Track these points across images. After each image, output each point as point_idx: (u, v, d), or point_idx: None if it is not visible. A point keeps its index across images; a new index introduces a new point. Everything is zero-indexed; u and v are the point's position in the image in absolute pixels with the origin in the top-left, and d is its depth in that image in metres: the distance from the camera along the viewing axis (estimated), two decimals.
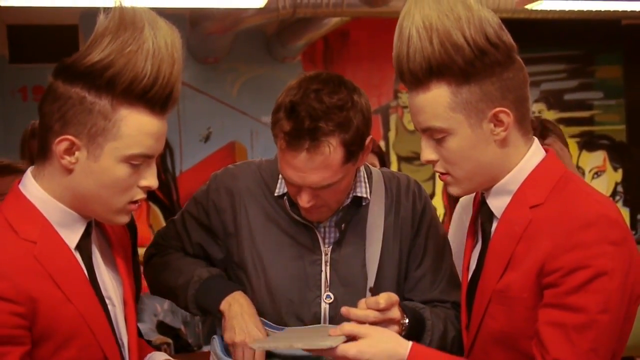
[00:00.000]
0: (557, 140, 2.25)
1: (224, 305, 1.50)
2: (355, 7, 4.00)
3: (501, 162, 1.28)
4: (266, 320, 1.53)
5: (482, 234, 1.36)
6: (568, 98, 5.61)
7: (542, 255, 1.20)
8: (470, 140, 1.26)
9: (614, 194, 5.70)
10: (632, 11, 4.29)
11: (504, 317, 1.26)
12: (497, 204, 1.31)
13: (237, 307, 1.49)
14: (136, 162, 1.22)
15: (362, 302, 1.38)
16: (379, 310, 1.36)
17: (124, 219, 1.29)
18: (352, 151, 1.44)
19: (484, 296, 1.29)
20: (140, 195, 1.26)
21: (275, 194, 1.56)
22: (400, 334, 1.44)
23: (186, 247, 1.64)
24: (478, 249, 1.37)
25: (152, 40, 1.20)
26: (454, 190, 1.33)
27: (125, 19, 1.20)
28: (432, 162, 1.32)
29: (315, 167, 1.40)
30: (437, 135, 1.28)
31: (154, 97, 1.21)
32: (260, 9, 3.87)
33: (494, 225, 1.32)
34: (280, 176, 1.56)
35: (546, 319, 1.20)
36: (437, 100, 1.25)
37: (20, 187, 1.26)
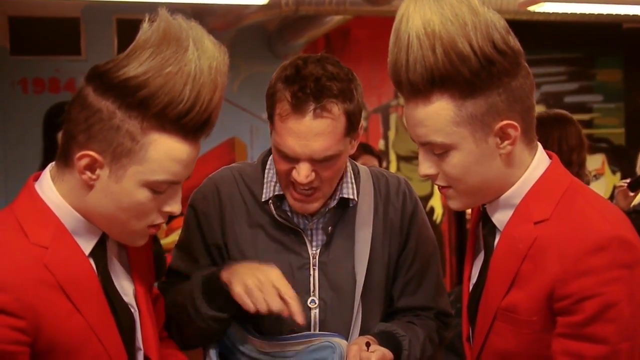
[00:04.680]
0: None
1: (225, 273, 1.39)
2: (358, 6, 4.00)
3: (506, 176, 1.20)
4: (252, 330, 1.51)
5: (485, 246, 1.29)
6: (568, 101, 5.61)
7: (550, 278, 1.12)
8: (474, 155, 1.16)
9: (612, 197, 5.71)
10: (633, 15, 4.30)
11: (511, 337, 1.19)
12: (500, 217, 1.23)
13: (238, 266, 1.41)
14: (159, 189, 1.15)
15: (355, 352, 1.38)
16: None
17: (141, 242, 1.22)
18: (353, 124, 1.42)
19: (488, 312, 1.22)
20: (160, 220, 1.19)
21: (262, 200, 1.52)
22: None
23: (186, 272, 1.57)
24: (480, 260, 1.30)
25: (195, 63, 1.11)
26: (454, 205, 1.24)
27: (169, 34, 1.11)
28: (432, 177, 1.22)
29: (320, 133, 1.36)
30: (438, 150, 1.18)
31: (188, 123, 1.12)
32: (263, 5, 3.87)
33: (497, 237, 1.24)
34: (265, 181, 1.53)
35: (563, 349, 1.13)
36: (440, 114, 1.14)
37: (37, 186, 1.18)
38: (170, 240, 4.64)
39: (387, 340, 1.47)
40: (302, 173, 1.39)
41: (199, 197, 1.58)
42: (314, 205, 1.47)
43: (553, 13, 4.17)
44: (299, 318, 1.33)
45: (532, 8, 3.93)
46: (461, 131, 1.15)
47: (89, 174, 1.13)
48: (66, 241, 1.15)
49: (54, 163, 1.19)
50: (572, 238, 1.12)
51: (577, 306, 1.10)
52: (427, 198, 5.28)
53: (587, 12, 4.13)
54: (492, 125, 1.15)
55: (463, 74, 1.11)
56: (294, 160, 1.41)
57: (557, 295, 1.12)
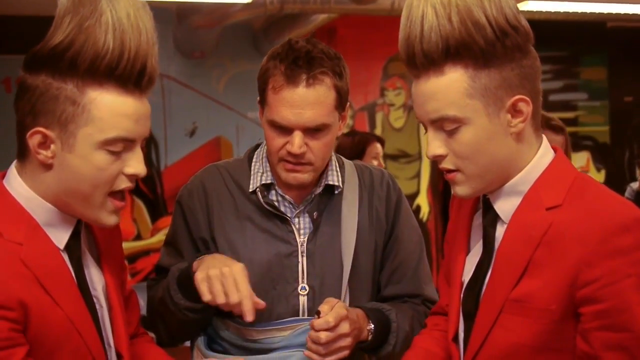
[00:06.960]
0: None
1: (196, 262, 1.43)
2: (343, 4, 4.00)
3: (515, 158, 1.18)
4: (238, 319, 1.49)
5: (484, 238, 1.25)
6: (553, 99, 5.65)
7: (573, 263, 1.09)
8: (486, 131, 1.14)
9: None
10: (617, 13, 4.34)
11: (522, 329, 1.14)
12: (505, 206, 1.20)
13: (208, 257, 1.44)
14: (115, 149, 1.13)
15: (311, 324, 1.39)
16: (329, 329, 1.37)
17: (112, 219, 1.19)
18: (342, 100, 1.48)
19: (492, 306, 1.18)
20: (126, 183, 1.17)
21: (250, 190, 1.55)
22: (366, 339, 1.46)
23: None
24: (476, 255, 1.26)
25: (110, 10, 1.11)
26: (462, 190, 1.20)
27: None
28: (440, 158, 1.19)
29: (313, 102, 1.42)
30: (450, 126, 1.15)
31: (123, 73, 1.11)
32: (247, 3, 3.87)
33: (499, 229, 1.21)
34: (252, 172, 1.56)
35: (604, 343, 1.09)
36: (453, 85, 1.13)
37: (5, 183, 1.17)
38: (155, 240, 4.62)
39: (373, 314, 1.48)
40: (296, 142, 1.43)
41: (185, 194, 1.61)
42: (305, 176, 1.49)
43: (537, 11, 4.20)
44: (249, 316, 1.34)
45: None
46: (474, 104, 1.14)
47: (43, 152, 1.12)
48: (39, 236, 1.15)
49: (16, 160, 1.19)
50: (593, 221, 1.10)
51: (606, 290, 1.08)
52: (413, 196, 5.29)
53: (571, 11, 4.16)
54: (504, 100, 1.14)
55: (478, 42, 1.11)
56: (287, 131, 1.45)
57: (582, 281, 1.09)
